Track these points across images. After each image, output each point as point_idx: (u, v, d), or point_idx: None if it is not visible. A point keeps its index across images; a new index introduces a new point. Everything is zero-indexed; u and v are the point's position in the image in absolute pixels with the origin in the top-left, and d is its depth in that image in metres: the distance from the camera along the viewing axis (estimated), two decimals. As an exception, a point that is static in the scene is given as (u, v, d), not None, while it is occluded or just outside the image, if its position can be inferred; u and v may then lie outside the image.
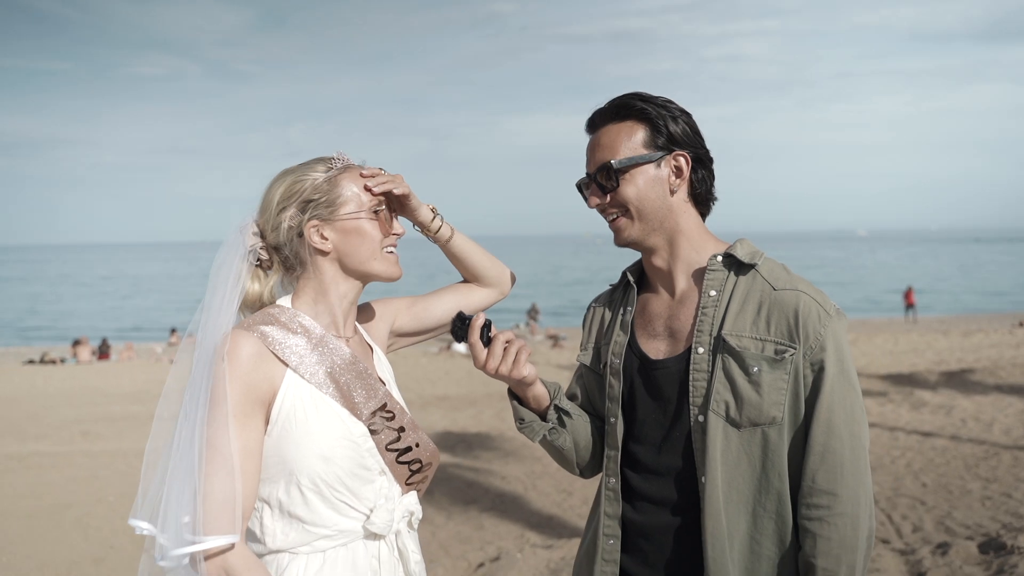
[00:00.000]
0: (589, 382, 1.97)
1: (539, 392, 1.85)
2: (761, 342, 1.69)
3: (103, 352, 22.96)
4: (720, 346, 1.71)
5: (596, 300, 2.04)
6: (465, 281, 2.07)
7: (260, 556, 1.67)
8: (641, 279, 1.92)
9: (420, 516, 1.81)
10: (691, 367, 1.74)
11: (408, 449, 1.76)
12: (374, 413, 1.71)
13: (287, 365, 1.66)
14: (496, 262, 2.05)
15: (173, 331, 28.08)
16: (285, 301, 1.76)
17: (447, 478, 7.70)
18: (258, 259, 1.76)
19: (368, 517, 1.69)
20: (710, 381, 1.71)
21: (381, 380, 1.80)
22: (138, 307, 49.52)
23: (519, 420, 1.87)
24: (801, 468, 1.68)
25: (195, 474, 1.56)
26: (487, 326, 1.75)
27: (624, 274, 1.95)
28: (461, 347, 21.68)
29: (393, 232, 1.78)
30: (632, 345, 1.85)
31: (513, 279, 2.11)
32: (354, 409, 1.69)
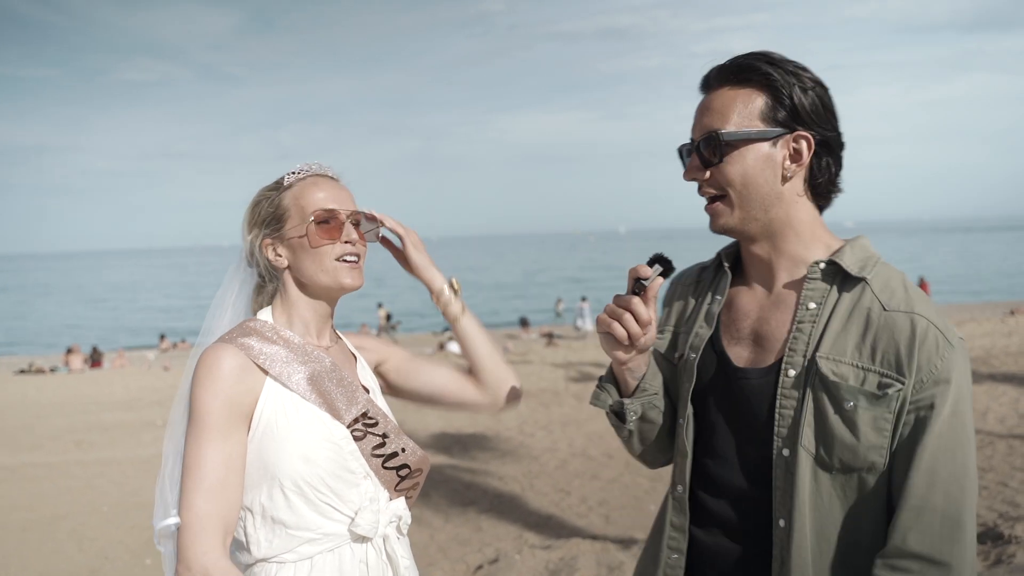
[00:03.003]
0: (664, 371, 1.73)
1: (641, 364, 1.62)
2: (863, 372, 1.42)
3: (95, 360, 22.84)
4: (813, 371, 1.45)
5: (681, 277, 1.79)
6: (470, 372, 1.95)
7: (247, 566, 1.67)
8: (736, 266, 1.67)
9: (409, 521, 1.81)
10: (779, 391, 1.49)
11: (394, 455, 1.75)
12: (356, 420, 1.71)
13: (267, 373, 1.66)
14: (501, 366, 1.92)
15: (163, 337, 27.96)
16: (265, 315, 1.78)
17: (444, 480, 7.67)
18: (259, 276, 1.81)
19: (353, 519, 1.68)
20: (799, 412, 1.46)
21: (365, 388, 1.80)
22: (130, 314, 49.31)
23: (615, 398, 1.66)
24: (892, 521, 1.41)
25: (179, 488, 1.59)
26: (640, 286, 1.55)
27: (718, 256, 1.71)
28: (455, 348, 21.63)
29: (344, 240, 1.73)
30: (715, 342, 1.62)
31: (515, 396, 1.94)
32: (336, 414, 1.69)
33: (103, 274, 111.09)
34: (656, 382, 1.66)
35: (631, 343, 1.52)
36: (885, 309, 1.44)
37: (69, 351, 22.64)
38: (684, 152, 1.60)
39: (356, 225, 1.76)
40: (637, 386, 1.63)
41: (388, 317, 27.94)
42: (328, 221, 1.71)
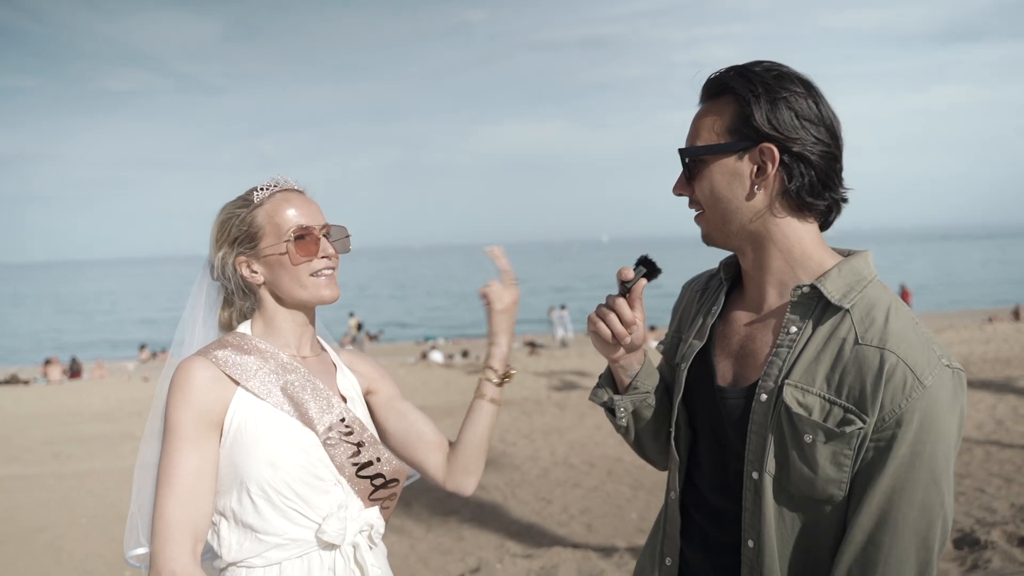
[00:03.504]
0: (667, 375, 1.74)
1: (635, 361, 1.65)
2: (829, 404, 1.38)
3: (74, 371, 22.60)
4: (779, 399, 1.42)
5: (692, 283, 1.79)
6: (451, 444, 1.95)
7: (219, 571, 1.71)
8: (738, 276, 1.64)
9: (382, 531, 1.82)
10: (751, 414, 1.46)
11: (369, 463, 1.78)
12: (330, 427, 1.74)
13: (238, 383, 1.70)
14: (479, 459, 1.91)
15: (143, 347, 27.72)
16: (244, 328, 1.82)
17: (426, 489, 7.65)
18: (224, 291, 1.83)
19: (320, 526, 1.71)
20: (765, 437, 1.44)
21: (343, 397, 1.83)
22: (110, 324, 48.86)
23: (610, 389, 1.70)
24: (836, 554, 1.39)
25: (153, 499, 1.63)
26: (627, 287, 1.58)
27: (718, 267, 1.69)
28: (437, 357, 21.60)
29: (322, 255, 1.76)
30: (707, 353, 1.60)
31: (466, 490, 1.92)
32: (307, 421, 1.72)
33: (82, 284, 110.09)
34: (650, 382, 1.68)
35: (617, 342, 1.59)
36: (858, 342, 1.38)
37: (48, 362, 22.39)
38: None
39: (327, 237, 1.79)
40: (630, 384, 1.67)
41: (359, 326, 27.88)
42: (304, 237, 1.75)
